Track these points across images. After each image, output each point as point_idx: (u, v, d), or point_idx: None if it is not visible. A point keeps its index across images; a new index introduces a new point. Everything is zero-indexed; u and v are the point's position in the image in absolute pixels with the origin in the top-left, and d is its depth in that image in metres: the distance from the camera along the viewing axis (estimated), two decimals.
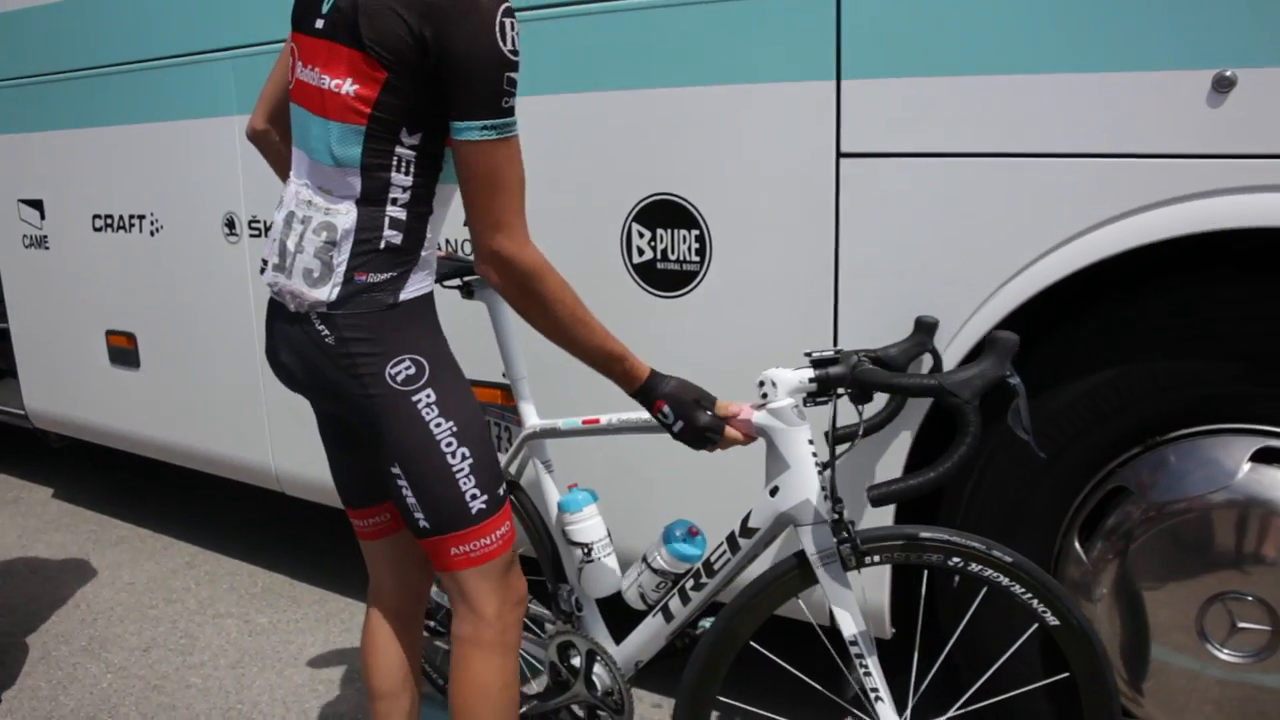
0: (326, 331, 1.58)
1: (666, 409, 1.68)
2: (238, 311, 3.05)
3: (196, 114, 3.01)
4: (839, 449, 1.69)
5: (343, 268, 1.56)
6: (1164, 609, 1.90)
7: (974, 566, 1.66)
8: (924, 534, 1.67)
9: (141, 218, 3.26)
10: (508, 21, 1.45)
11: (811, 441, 1.69)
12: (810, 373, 1.66)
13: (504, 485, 1.70)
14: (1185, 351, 1.81)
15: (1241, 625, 1.83)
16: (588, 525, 1.98)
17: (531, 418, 2.09)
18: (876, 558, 1.70)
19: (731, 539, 1.77)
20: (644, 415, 1.77)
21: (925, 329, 1.92)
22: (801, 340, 2.04)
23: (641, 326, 2.25)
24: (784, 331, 2.10)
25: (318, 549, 3.69)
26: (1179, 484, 1.86)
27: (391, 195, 1.56)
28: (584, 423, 1.97)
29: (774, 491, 1.70)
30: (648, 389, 1.69)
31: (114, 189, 3.33)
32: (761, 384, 1.68)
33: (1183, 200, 1.70)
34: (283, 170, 1.85)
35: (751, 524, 1.75)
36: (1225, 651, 1.86)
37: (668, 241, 2.21)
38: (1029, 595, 1.65)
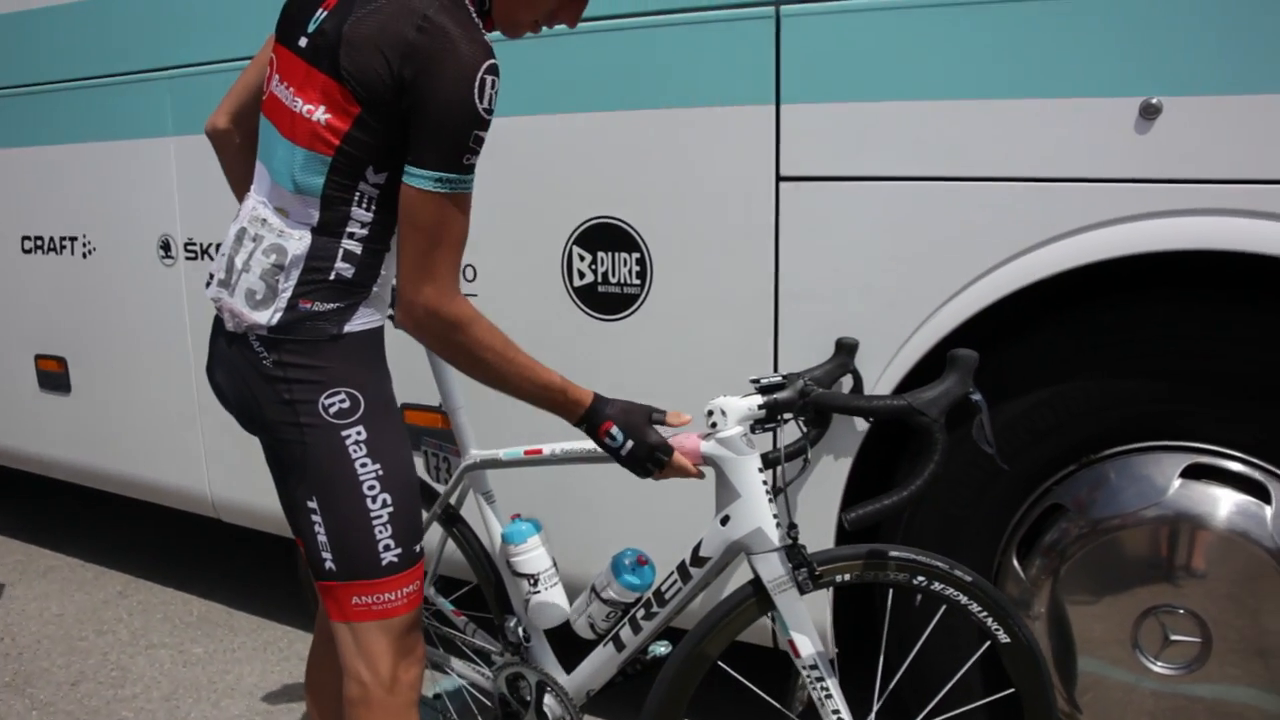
0: (265, 353, 1.54)
1: (615, 430, 1.64)
2: (173, 335, 2.99)
3: (132, 134, 2.96)
4: (791, 474, 1.68)
5: (287, 294, 1.52)
6: (1100, 623, 1.94)
7: (936, 585, 1.66)
8: (893, 553, 1.67)
9: (74, 239, 3.19)
10: (489, 79, 1.41)
11: (762, 470, 1.67)
12: (759, 399, 1.65)
13: (421, 544, 1.64)
14: (1118, 371, 1.86)
15: (1174, 638, 1.87)
16: (533, 556, 1.94)
17: (471, 448, 2.06)
18: (840, 577, 1.67)
19: (683, 568, 1.75)
20: (588, 444, 1.74)
21: (846, 350, 1.95)
22: (742, 362, 2.06)
23: (582, 350, 2.26)
24: (725, 354, 2.11)
25: (256, 576, 3.62)
26: (1113, 501, 1.90)
27: (349, 229, 1.52)
28: (526, 453, 1.94)
29: (725, 520, 1.68)
30: (592, 414, 1.64)
31: (45, 210, 3.25)
32: (710, 413, 1.65)
33: (1113, 224, 1.75)
34: (234, 177, 1.80)
35: (703, 553, 1.72)
36: (1159, 664, 1.90)
37: (609, 264, 2.21)
38: (985, 614, 1.66)
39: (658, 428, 1.67)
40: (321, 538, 1.57)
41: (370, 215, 1.52)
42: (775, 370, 2.05)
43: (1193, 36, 1.66)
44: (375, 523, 1.56)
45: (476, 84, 1.39)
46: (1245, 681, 1.84)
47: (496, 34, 1.59)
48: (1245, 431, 1.81)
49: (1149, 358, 1.83)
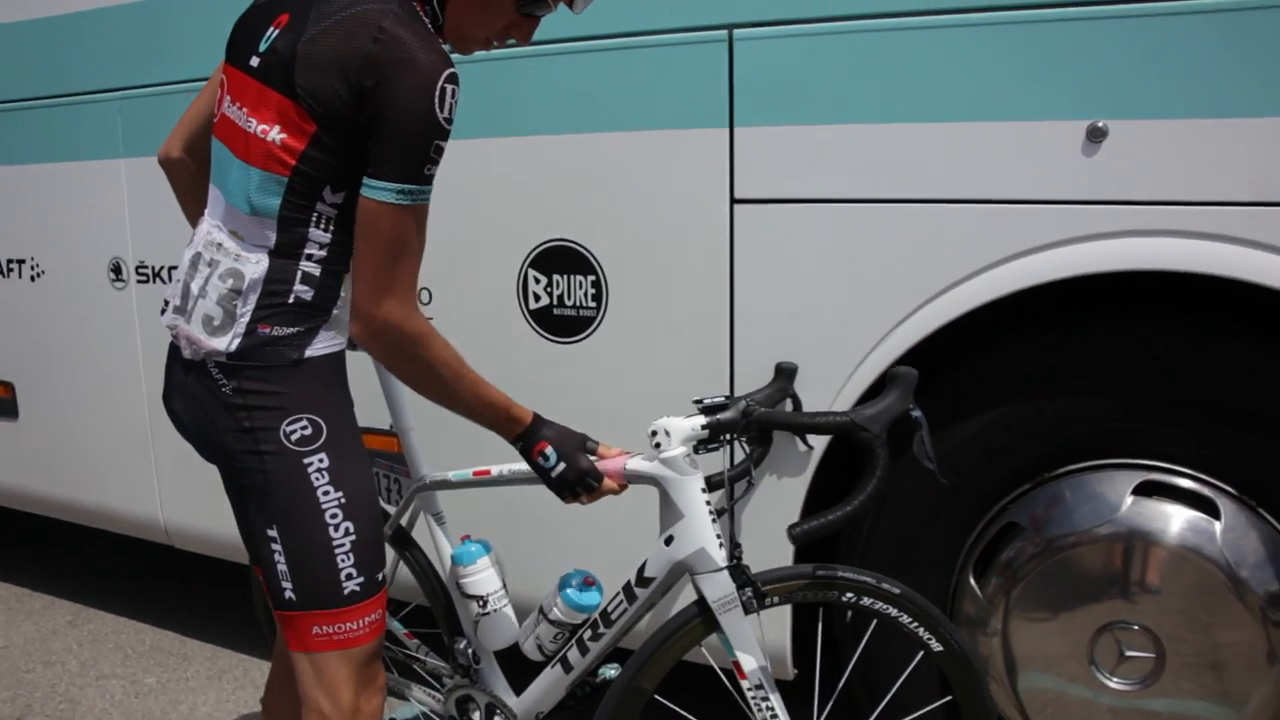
0: (224, 381, 1.51)
1: (549, 451, 1.65)
2: (125, 359, 2.94)
3: (81, 156, 2.91)
4: (738, 494, 1.69)
5: (245, 319, 1.49)
6: (1057, 640, 1.95)
7: (866, 600, 1.69)
8: (820, 572, 1.70)
9: (21, 262, 3.13)
10: (449, 88, 1.39)
11: (705, 490, 1.68)
12: (702, 420, 1.67)
13: (383, 572, 1.62)
14: (1070, 390, 1.88)
15: (1129, 653, 1.89)
16: (482, 577, 1.94)
17: (421, 469, 2.05)
18: (776, 599, 1.70)
19: (628, 589, 1.75)
20: None
21: (786, 374, 1.97)
22: (698, 384, 2.06)
23: (538, 372, 2.25)
24: (680, 376, 2.11)
25: (210, 604, 3.56)
26: (1067, 519, 1.91)
27: (307, 250, 1.50)
28: (475, 474, 1.94)
29: (669, 540, 1.69)
30: (530, 433, 1.66)
31: None
32: (654, 433, 1.67)
33: (1061, 245, 1.77)
34: (188, 204, 1.78)
35: (648, 573, 1.73)
36: (1115, 680, 1.91)
37: (564, 287, 2.21)
38: (915, 624, 1.69)
39: (589, 456, 1.69)
40: (282, 567, 1.54)
41: (328, 236, 1.50)
42: (731, 392, 2.05)
43: (1137, 61, 1.69)
44: (338, 551, 1.53)
45: (437, 92, 1.38)
46: (1199, 695, 1.86)
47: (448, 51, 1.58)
48: (1194, 449, 1.84)
49: (1100, 377, 1.86)
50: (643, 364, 2.15)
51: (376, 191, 1.41)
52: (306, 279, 1.51)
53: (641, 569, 1.74)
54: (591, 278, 2.17)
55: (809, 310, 1.97)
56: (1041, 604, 1.95)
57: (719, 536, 1.67)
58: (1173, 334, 1.82)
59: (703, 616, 1.70)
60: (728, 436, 1.69)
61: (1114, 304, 1.88)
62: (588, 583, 1.84)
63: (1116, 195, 1.73)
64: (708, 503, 1.68)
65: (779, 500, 2.06)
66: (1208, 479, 1.84)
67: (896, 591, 1.69)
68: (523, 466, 1.81)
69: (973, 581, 2.02)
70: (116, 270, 2.90)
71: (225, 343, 1.49)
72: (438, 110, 1.38)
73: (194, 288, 1.54)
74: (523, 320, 2.26)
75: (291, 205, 1.47)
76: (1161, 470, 1.87)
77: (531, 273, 2.24)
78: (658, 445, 1.67)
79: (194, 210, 1.74)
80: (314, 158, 1.44)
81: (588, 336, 2.20)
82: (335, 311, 1.55)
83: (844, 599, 1.70)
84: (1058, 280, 1.78)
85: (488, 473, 1.92)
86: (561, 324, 2.22)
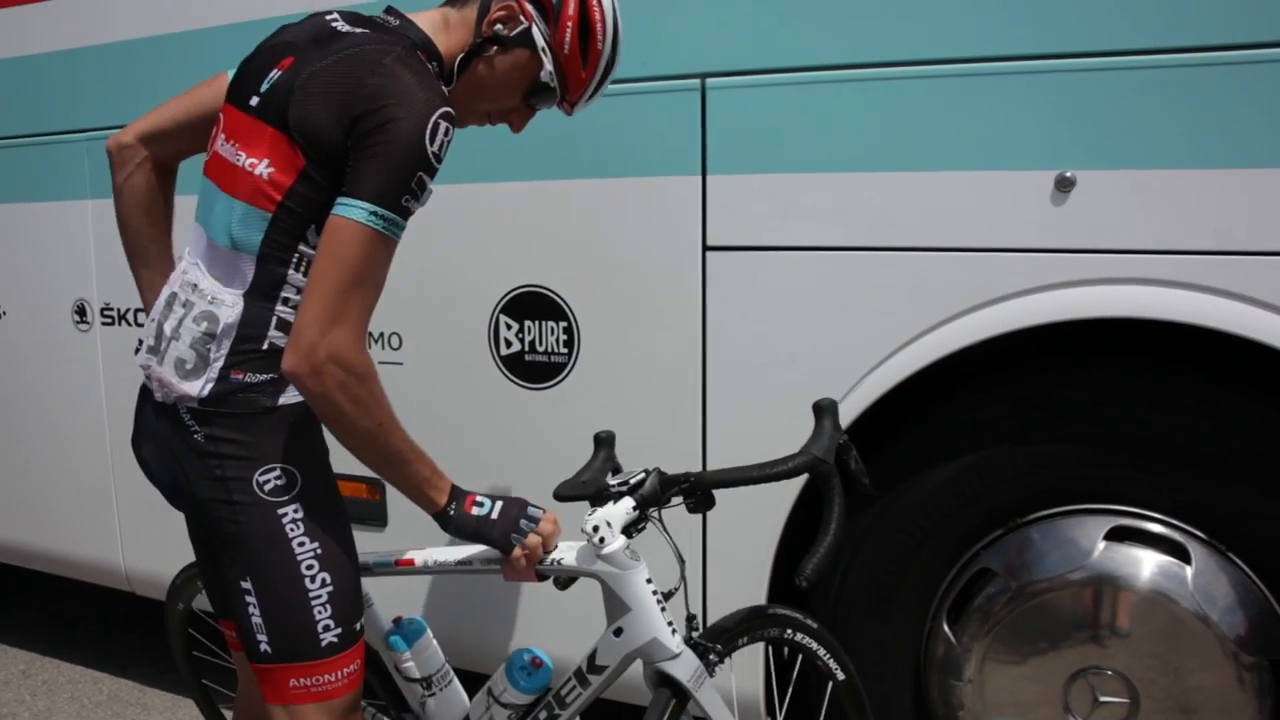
0: (196, 427, 1.48)
1: (481, 497, 1.59)
2: (88, 402, 2.90)
3: (47, 196, 2.88)
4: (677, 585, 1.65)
5: (219, 363, 1.46)
6: (1031, 685, 1.95)
7: (799, 636, 1.74)
8: (770, 610, 1.73)
9: None
10: (444, 125, 1.38)
11: (650, 580, 1.62)
12: (631, 501, 1.59)
13: (361, 621, 1.59)
14: (1042, 436, 1.89)
15: (1103, 699, 1.90)
16: (422, 659, 1.85)
17: None
18: (731, 645, 1.68)
19: (580, 674, 1.69)
20: (461, 552, 1.68)
21: (605, 443, 1.81)
22: (671, 431, 2.06)
23: (509, 418, 2.24)
24: (653, 422, 2.11)
25: (170, 652, 3.48)
26: (1039, 564, 1.92)
27: (284, 294, 1.47)
28: (398, 563, 1.79)
29: (618, 632, 1.63)
30: (457, 491, 1.58)
31: None
32: (596, 529, 1.57)
33: (1030, 293, 1.79)
34: (122, 202, 1.72)
35: (599, 661, 1.67)
36: None
37: (536, 333, 2.20)
38: (828, 655, 1.75)
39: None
40: (256, 619, 1.51)
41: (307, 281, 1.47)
42: (704, 445, 2.05)
43: (1105, 113, 1.72)
44: (314, 603, 1.50)
45: (430, 124, 1.37)
46: None
47: None
48: (1165, 494, 1.85)
49: (1071, 423, 1.87)
50: (614, 411, 2.14)
51: (348, 209, 1.37)
52: (282, 325, 1.48)
53: (592, 656, 1.67)
54: (563, 324, 2.17)
55: (780, 358, 1.98)
56: (1015, 649, 1.95)
57: (670, 623, 1.61)
58: (1142, 380, 1.84)
59: (677, 698, 1.63)
60: (653, 513, 1.63)
61: (1083, 350, 1.90)
62: (535, 664, 1.78)
63: (1084, 244, 1.76)
64: (654, 591, 1.62)
65: (754, 546, 2.06)
66: (1178, 524, 1.86)
67: (815, 625, 1.75)
68: (450, 555, 1.73)
69: (946, 627, 2.02)
70: (81, 312, 2.87)
71: (198, 388, 1.47)
72: (428, 141, 1.37)
73: (167, 329, 1.52)
74: (494, 366, 2.25)
75: (273, 243, 1.45)
76: (1133, 515, 1.88)
77: (503, 319, 2.23)
78: (602, 540, 1.57)
79: (126, 210, 1.72)
80: (301, 194, 1.43)
81: (559, 383, 2.19)
82: None
83: (784, 635, 1.73)
84: (1027, 327, 1.80)
85: (411, 562, 1.78)
86: (533, 370, 2.22)
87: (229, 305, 1.47)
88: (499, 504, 1.60)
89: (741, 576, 2.08)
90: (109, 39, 2.69)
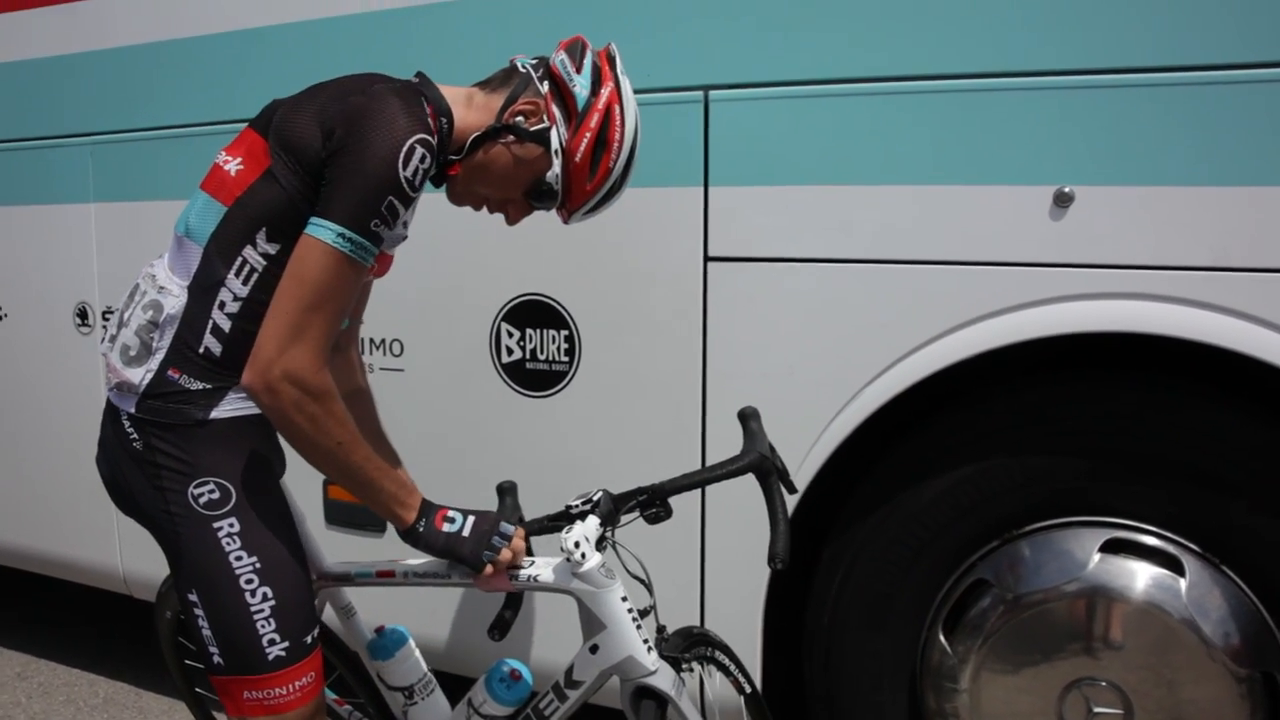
0: (135, 436, 1.50)
1: (452, 512, 1.59)
2: (87, 404, 2.88)
3: (50, 199, 2.89)
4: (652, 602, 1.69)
5: (160, 355, 1.49)
6: (1026, 696, 1.96)
7: (719, 654, 1.80)
8: (697, 630, 1.79)
9: None
10: (420, 151, 1.39)
11: (626, 599, 1.64)
12: (596, 519, 1.61)
13: (313, 633, 1.59)
14: (1038, 449, 1.90)
15: (1097, 710, 1.90)
16: (404, 668, 1.86)
17: (322, 563, 1.87)
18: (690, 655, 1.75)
19: (558, 689, 1.71)
20: (441, 565, 1.69)
21: (508, 492, 1.86)
22: (670, 439, 2.07)
23: (510, 426, 2.25)
24: (653, 431, 2.12)
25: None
26: (1035, 575, 1.93)
27: (221, 298, 1.48)
28: (378, 574, 1.80)
29: (594, 649, 1.64)
30: (427, 507, 1.59)
31: None
32: (578, 544, 1.57)
33: (1028, 306, 1.81)
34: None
35: (576, 677, 1.69)
36: None
37: (537, 341, 2.21)
38: (737, 670, 1.79)
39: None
40: (206, 632, 1.52)
41: (245, 291, 1.48)
42: (703, 448, 2.07)
43: (1103, 130, 1.74)
44: (256, 617, 1.51)
45: (404, 148, 1.38)
46: None
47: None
48: (1159, 507, 1.87)
49: (1067, 436, 1.88)
50: (614, 419, 2.15)
51: (317, 229, 1.39)
52: (216, 331, 1.49)
53: (569, 671, 1.69)
54: (565, 332, 2.18)
55: (781, 368, 1.99)
56: (1010, 660, 1.96)
57: (645, 640, 1.63)
58: (1137, 394, 1.85)
59: (660, 709, 1.65)
60: (607, 533, 1.64)
61: (1079, 364, 1.92)
62: (514, 676, 1.79)
63: (1082, 259, 1.77)
64: (630, 609, 1.63)
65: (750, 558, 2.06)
66: (1173, 536, 1.87)
67: (725, 641, 1.83)
68: (429, 566, 1.74)
69: (942, 637, 2.03)
70: (82, 315, 2.87)
71: (139, 376, 1.50)
72: (400, 165, 1.38)
73: (125, 316, 1.55)
74: (495, 374, 2.26)
75: (220, 238, 1.48)
76: (1127, 528, 1.89)
77: (505, 326, 2.24)
78: (584, 556, 1.58)
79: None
80: (259, 192, 1.46)
81: (560, 391, 2.20)
82: None
83: (707, 653, 1.77)
84: (1025, 341, 1.81)
85: (391, 574, 1.78)
86: (534, 378, 2.23)
87: (175, 295, 1.50)
88: (470, 519, 1.60)
89: (738, 588, 2.09)
90: (112, 44, 2.70)
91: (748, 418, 1.73)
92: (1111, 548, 1.89)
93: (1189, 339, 1.72)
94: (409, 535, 1.59)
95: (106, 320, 2.82)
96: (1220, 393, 1.82)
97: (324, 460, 1.49)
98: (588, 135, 1.55)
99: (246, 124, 1.56)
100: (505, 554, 1.61)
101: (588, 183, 1.58)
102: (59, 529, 3.09)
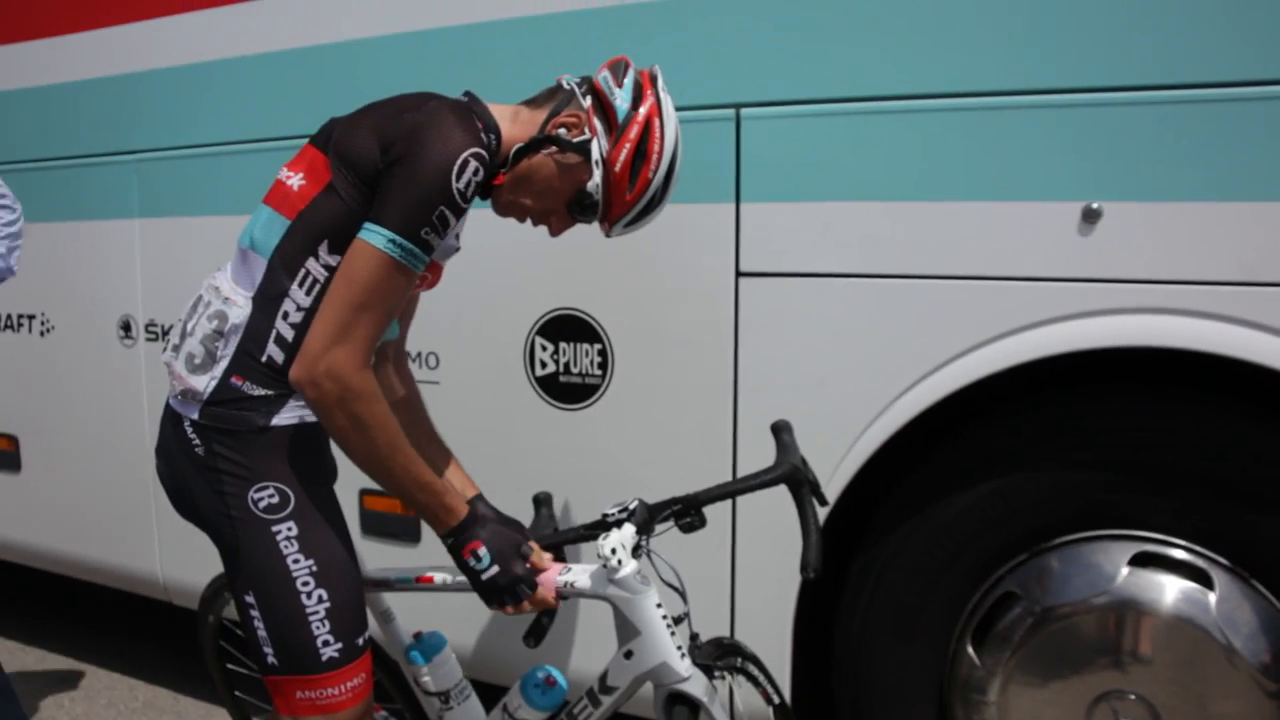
0: (198, 441, 1.55)
1: (481, 551, 1.58)
2: (130, 415, 2.96)
3: (96, 215, 2.96)
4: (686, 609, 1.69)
5: (224, 363, 1.53)
6: (1053, 709, 1.97)
7: (751, 666, 1.75)
8: (727, 641, 1.76)
9: (31, 317, 3.16)
10: (474, 164, 1.43)
11: (660, 605, 1.65)
12: (632, 528, 1.62)
13: (365, 636, 1.62)
14: (1066, 462, 1.91)
15: None
16: (441, 673, 1.89)
17: (362, 568, 1.85)
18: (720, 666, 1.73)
19: (592, 694, 1.73)
20: None
21: (543, 503, 1.90)
22: (702, 453, 2.09)
23: (542, 438, 2.28)
24: (685, 444, 2.14)
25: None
26: (1064, 588, 1.94)
27: (284, 309, 1.53)
28: (418, 580, 1.83)
29: (628, 655, 1.66)
30: (463, 528, 1.58)
31: (2, 288, 3.22)
32: (614, 551, 1.59)
33: (1056, 321, 1.82)
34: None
35: (610, 683, 1.71)
36: None
37: (570, 355, 2.25)
38: (766, 680, 1.75)
39: (524, 564, 1.63)
40: (261, 632, 1.56)
41: (308, 301, 1.52)
42: (734, 461, 2.09)
43: (1132, 146, 1.75)
44: (312, 619, 1.55)
45: (459, 160, 1.41)
46: None
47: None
48: (1188, 521, 1.87)
49: (1096, 449, 1.89)
50: (647, 432, 2.18)
51: (369, 234, 1.43)
52: (280, 340, 1.54)
53: (603, 677, 1.71)
54: (598, 346, 2.21)
55: (811, 382, 2.02)
56: (1039, 673, 1.97)
57: (679, 647, 1.65)
58: (1166, 408, 1.86)
59: (693, 716, 1.66)
60: (642, 542, 1.64)
61: (1108, 378, 1.92)
62: (549, 683, 1.80)
63: (1110, 274, 1.79)
64: (664, 616, 1.65)
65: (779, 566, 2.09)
66: (1202, 550, 1.87)
67: (754, 652, 1.78)
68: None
69: (970, 650, 2.04)
70: (126, 328, 2.94)
71: (203, 383, 1.54)
72: (454, 177, 1.42)
73: (188, 326, 1.60)
74: (529, 386, 2.30)
75: (284, 251, 1.52)
76: (1156, 541, 1.90)
77: (539, 340, 2.28)
78: (620, 563, 1.59)
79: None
80: (321, 205, 1.50)
81: (593, 403, 2.23)
82: None
83: (737, 663, 1.74)
84: (1054, 355, 1.83)
85: (430, 580, 1.81)
86: (567, 391, 2.26)
87: (239, 306, 1.54)
88: (495, 568, 1.59)
89: (768, 598, 2.12)
90: (159, 65, 2.77)
91: (780, 430, 1.75)
92: (1140, 561, 1.90)
93: (1218, 353, 1.73)
94: (447, 547, 1.62)
95: (150, 332, 2.88)
96: (1248, 407, 1.82)
97: (363, 459, 1.52)
98: (627, 146, 1.58)
99: (307, 140, 1.60)
100: (525, 606, 1.63)
101: (628, 193, 1.61)
102: (101, 536, 3.14)
